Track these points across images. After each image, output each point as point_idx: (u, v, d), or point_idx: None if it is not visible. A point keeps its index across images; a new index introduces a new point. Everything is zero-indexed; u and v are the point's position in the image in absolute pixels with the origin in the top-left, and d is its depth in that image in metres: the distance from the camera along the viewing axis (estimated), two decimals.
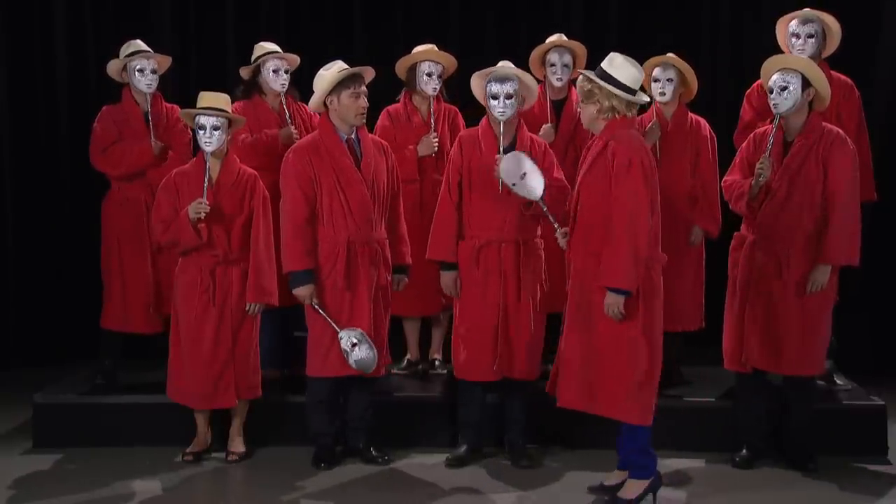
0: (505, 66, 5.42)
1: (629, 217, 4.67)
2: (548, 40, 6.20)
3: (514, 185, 5.11)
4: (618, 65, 4.80)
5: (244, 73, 6.26)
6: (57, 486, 5.30)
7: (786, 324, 5.31)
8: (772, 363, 5.39)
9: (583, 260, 4.87)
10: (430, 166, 6.19)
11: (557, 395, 4.97)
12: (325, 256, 5.37)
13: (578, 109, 4.97)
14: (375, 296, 5.44)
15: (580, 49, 6.18)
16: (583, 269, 4.86)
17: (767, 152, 5.29)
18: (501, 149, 5.28)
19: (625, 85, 4.77)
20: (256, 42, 6.33)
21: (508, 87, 5.28)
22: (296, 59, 6.23)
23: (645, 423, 4.84)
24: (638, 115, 5.02)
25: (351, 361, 5.30)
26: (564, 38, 6.21)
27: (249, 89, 6.24)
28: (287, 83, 6.15)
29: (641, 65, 4.93)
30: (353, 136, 5.43)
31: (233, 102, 6.19)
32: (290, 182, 5.37)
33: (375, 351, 5.31)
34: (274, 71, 6.13)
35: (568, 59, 6.11)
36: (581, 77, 4.88)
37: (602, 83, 4.77)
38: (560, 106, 6.13)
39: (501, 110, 5.29)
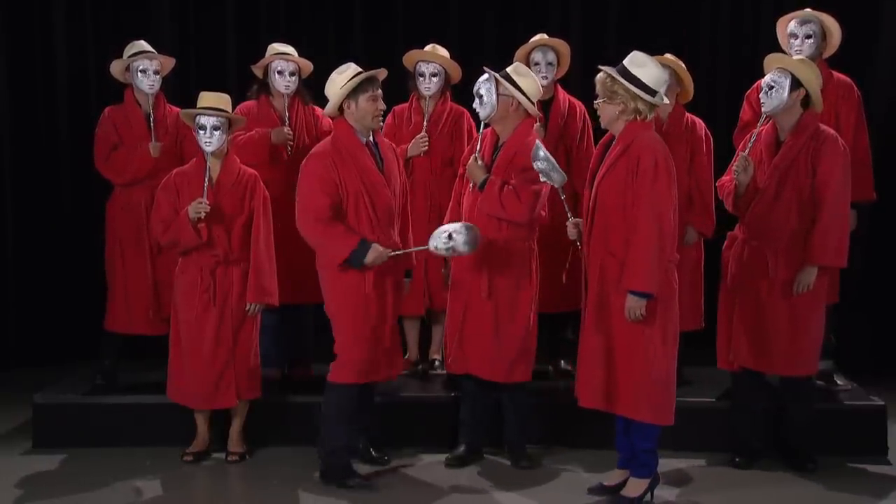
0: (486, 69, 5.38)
1: (655, 221, 4.67)
2: (531, 40, 6.20)
3: (541, 170, 5.05)
4: (643, 64, 4.76)
5: (257, 71, 6.25)
6: (57, 487, 5.30)
7: (774, 324, 5.31)
8: (761, 363, 5.39)
9: (602, 260, 4.86)
10: (420, 166, 6.21)
11: (578, 395, 4.98)
12: None
13: (596, 105, 4.93)
14: (395, 298, 5.35)
15: (564, 47, 6.18)
16: (602, 269, 4.86)
17: (746, 151, 5.30)
18: (479, 148, 5.33)
19: (649, 87, 4.75)
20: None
21: (479, 88, 5.29)
22: (308, 65, 6.18)
23: (664, 423, 4.86)
24: None
25: (464, 250, 5.11)
26: (546, 36, 6.21)
27: (260, 89, 6.25)
28: (292, 85, 6.14)
29: None
30: (370, 140, 5.31)
31: (241, 101, 6.21)
32: (312, 186, 5.15)
33: (464, 224, 5.15)
34: (279, 72, 6.12)
35: (552, 57, 6.11)
36: (604, 74, 4.83)
37: (628, 84, 4.74)
38: (547, 105, 6.12)
39: (478, 110, 5.32)
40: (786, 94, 5.19)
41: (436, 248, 5.17)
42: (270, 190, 5.69)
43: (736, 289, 5.40)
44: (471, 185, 5.36)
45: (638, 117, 4.79)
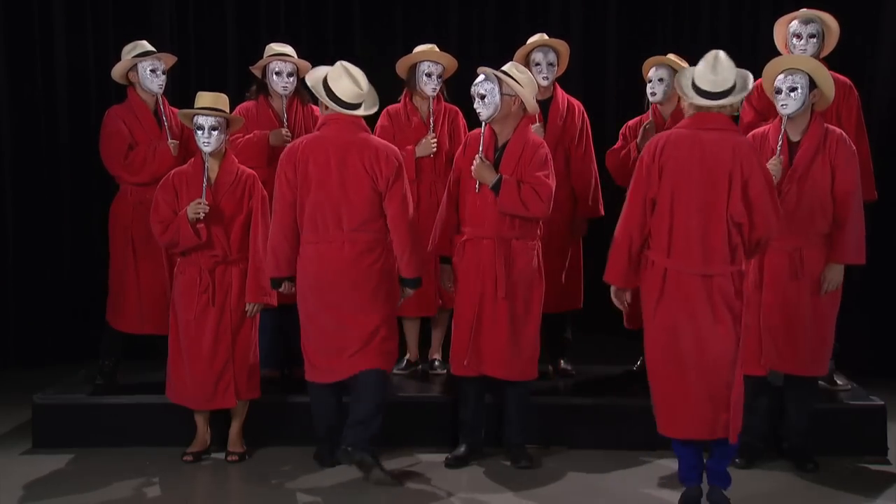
0: (483, 69, 5.39)
1: None
2: (530, 40, 6.20)
3: None
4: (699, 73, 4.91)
5: (255, 72, 6.24)
6: (57, 487, 5.30)
7: (802, 325, 5.29)
8: (789, 365, 5.36)
9: None
10: (427, 167, 6.19)
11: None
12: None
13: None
14: None
15: (563, 47, 6.19)
16: None
17: (778, 153, 5.27)
18: (481, 149, 5.32)
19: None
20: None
21: (480, 88, 5.29)
22: (306, 65, 6.14)
23: None
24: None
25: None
26: (546, 36, 6.21)
27: (259, 90, 6.23)
28: (290, 86, 6.11)
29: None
30: None
31: (242, 102, 6.20)
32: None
33: None
34: (276, 73, 6.11)
35: (553, 57, 6.11)
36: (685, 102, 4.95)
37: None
38: (547, 105, 6.12)
39: (479, 110, 5.32)
40: (807, 95, 5.20)
41: None
42: (269, 189, 5.69)
43: (759, 293, 5.32)
44: (477, 186, 5.34)
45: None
